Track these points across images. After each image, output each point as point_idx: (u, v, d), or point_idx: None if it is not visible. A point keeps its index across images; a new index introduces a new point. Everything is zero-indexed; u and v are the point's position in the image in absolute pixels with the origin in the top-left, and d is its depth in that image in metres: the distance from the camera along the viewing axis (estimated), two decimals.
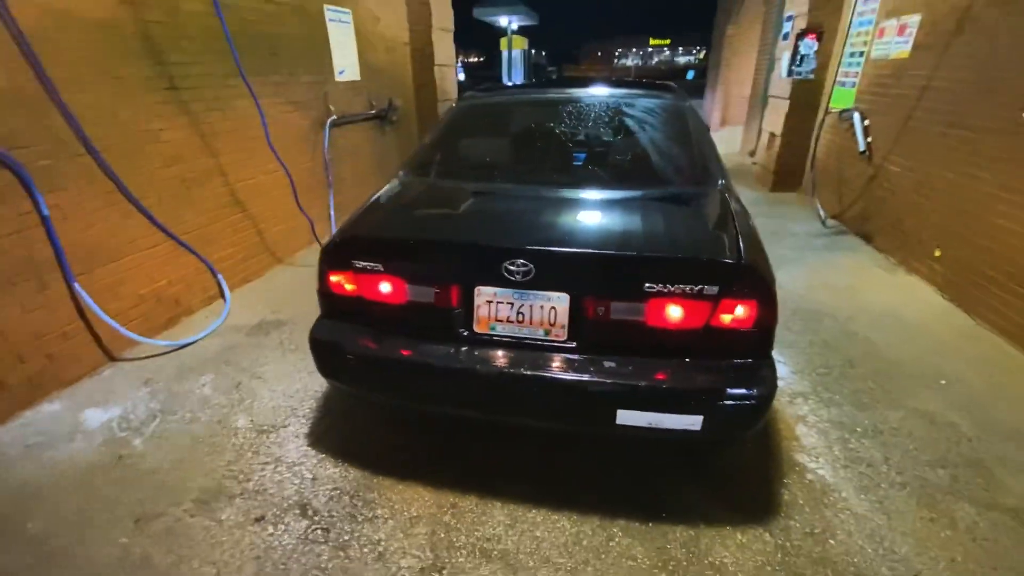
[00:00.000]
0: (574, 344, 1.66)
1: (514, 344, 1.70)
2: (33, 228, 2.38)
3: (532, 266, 1.58)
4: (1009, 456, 2.06)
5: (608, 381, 1.57)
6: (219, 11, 3.19)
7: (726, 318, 1.54)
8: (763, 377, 1.56)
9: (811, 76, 5.55)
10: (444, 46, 6.38)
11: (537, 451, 2.10)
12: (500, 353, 1.68)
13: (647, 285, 1.54)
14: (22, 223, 2.34)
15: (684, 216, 1.94)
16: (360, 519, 1.80)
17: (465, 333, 1.74)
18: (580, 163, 2.34)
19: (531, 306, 1.66)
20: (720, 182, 2.08)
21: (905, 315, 3.19)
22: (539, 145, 2.45)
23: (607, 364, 1.61)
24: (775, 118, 6.26)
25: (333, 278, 1.84)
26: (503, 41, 11.51)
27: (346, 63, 4.80)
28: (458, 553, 1.67)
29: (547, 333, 1.67)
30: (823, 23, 5.37)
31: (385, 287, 1.76)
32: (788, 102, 5.83)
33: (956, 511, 1.81)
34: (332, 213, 4.61)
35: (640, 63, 49.39)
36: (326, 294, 1.89)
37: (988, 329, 2.99)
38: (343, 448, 2.14)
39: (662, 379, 1.56)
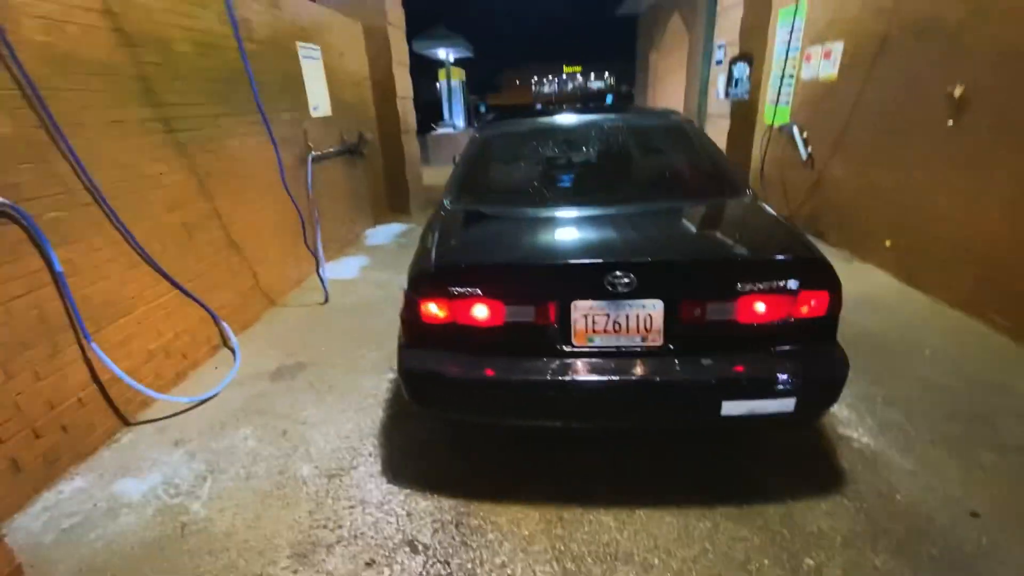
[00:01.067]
0: (671, 347, 1.78)
1: (613, 354, 1.80)
2: (45, 287, 2.17)
3: (633, 277, 1.70)
4: (1000, 405, 2.42)
5: (714, 378, 1.71)
6: (243, 53, 3.16)
7: (804, 309, 1.74)
8: (840, 358, 1.77)
9: (746, 96, 6.20)
10: (403, 80, 6.46)
11: (609, 455, 2.19)
12: (602, 363, 1.78)
13: (739, 285, 1.71)
14: (33, 282, 2.13)
15: (741, 222, 2.15)
16: (475, 546, 1.79)
17: (565, 348, 1.82)
18: (620, 181, 2.51)
19: (627, 315, 1.77)
20: (748, 191, 2.33)
21: (875, 299, 3.64)
22: (577, 167, 2.61)
23: (705, 362, 1.75)
24: (716, 135, 6.89)
25: (426, 306, 1.85)
26: (441, 72, 11.75)
27: (319, 99, 4.75)
28: (584, 562, 1.72)
29: (644, 339, 1.79)
30: (752, 50, 6.05)
31: (481, 311, 1.81)
32: (728, 120, 6.46)
33: (980, 456, 2.11)
34: (320, 249, 4.49)
35: (557, 89, 51.81)
36: (415, 323, 1.89)
37: (943, 303, 3.48)
38: (425, 480, 2.11)
39: (761, 369, 1.72)
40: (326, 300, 4.04)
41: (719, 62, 6.66)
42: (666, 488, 2.01)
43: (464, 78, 12.59)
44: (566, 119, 2.93)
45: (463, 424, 2.38)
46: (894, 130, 3.94)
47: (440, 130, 11.27)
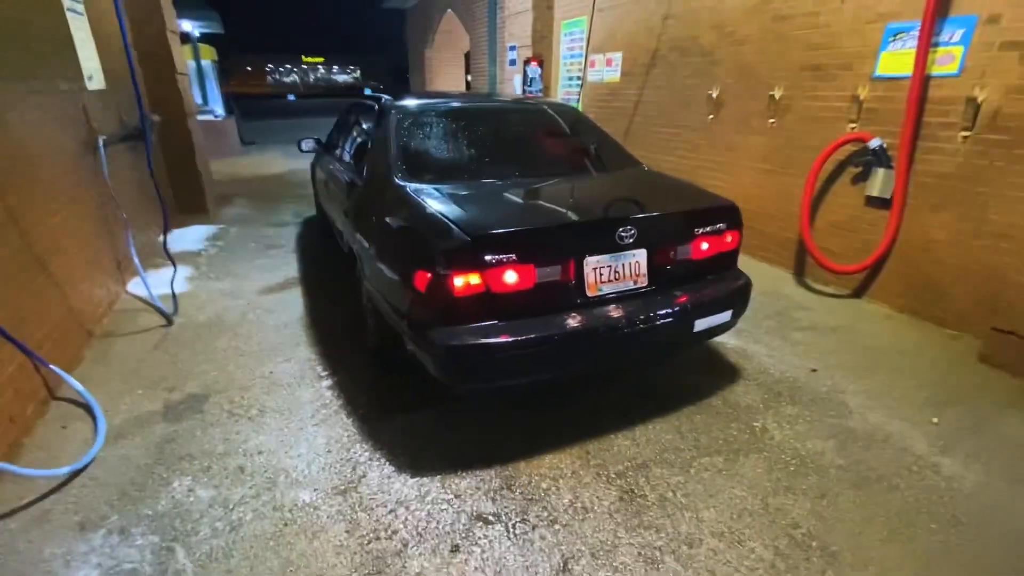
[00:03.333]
0: (654, 287, 2.18)
1: (617, 298, 2.10)
2: None
3: (636, 230, 2.03)
4: (786, 305, 3.60)
5: (689, 304, 2.18)
6: None
7: (728, 242, 2.35)
8: (745, 276, 2.46)
9: (540, 93, 7.11)
10: (177, 52, 5.30)
11: (586, 398, 2.51)
12: (612, 308, 2.07)
13: (695, 230, 2.21)
14: None
15: (666, 184, 2.67)
16: (537, 497, 1.89)
17: (580, 300, 2.03)
18: (551, 156, 2.77)
19: (624, 264, 2.10)
20: (642, 163, 2.91)
21: None
22: (508, 146, 2.76)
23: (677, 293, 2.21)
24: None
25: (459, 279, 1.81)
26: (187, 50, 9.74)
27: (92, 67, 3.62)
28: (626, 475, 2.00)
29: (635, 283, 2.15)
30: (542, 53, 6.96)
31: (512, 276, 1.87)
32: None
33: (793, 336, 3.16)
34: (134, 253, 3.50)
35: (298, 79, 47.83)
36: (446, 298, 1.82)
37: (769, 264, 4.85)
38: (449, 462, 2.06)
39: (714, 292, 2.27)
40: (169, 322, 3.22)
41: (512, 63, 7.45)
42: (643, 407, 2.43)
43: (216, 58, 10.73)
44: (479, 103, 3.12)
45: (462, 398, 2.39)
46: (670, 124, 5.20)
47: (199, 116, 9.39)
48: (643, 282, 2.16)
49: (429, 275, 1.82)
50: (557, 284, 1.98)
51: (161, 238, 4.72)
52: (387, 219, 2.21)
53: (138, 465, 2.02)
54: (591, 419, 2.35)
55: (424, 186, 2.32)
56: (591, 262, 2.03)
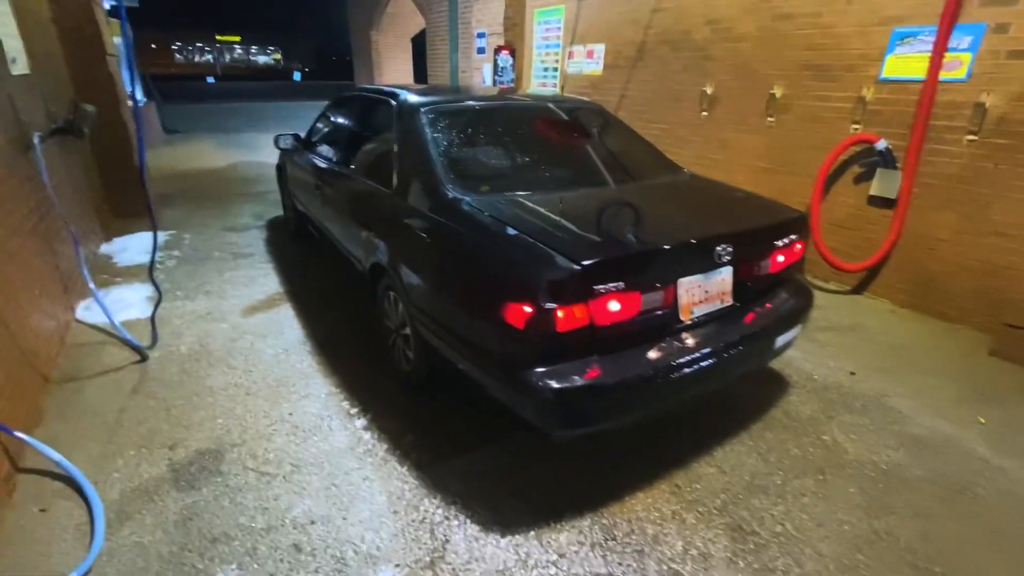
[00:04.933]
0: (738, 304, 2.05)
1: (708, 320, 1.95)
2: None
3: (732, 247, 1.88)
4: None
5: (774, 321, 2.07)
6: None
7: (796, 253, 2.27)
8: (807, 286, 2.40)
9: (512, 84, 6.84)
10: (105, 28, 4.52)
11: (649, 427, 2.36)
12: (708, 331, 1.91)
13: (775, 242, 2.10)
14: None
15: (728, 193, 2.52)
16: (650, 548, 1.71)
17: (677, 326, 1.86)
18: (601, 162, 2.55)
19: (713, 283, 1.95)
20: (683, 168, 2.77)
21: None
22: (559, 150, 2.51)
23: (760, 309, 2.10)
24: None
25: (564, 312, 1.57)
26: (114, 26, 8.43)
27: (14, 47, 2.94)
28: (727, 508, 1.87)
29: (722, 302, 2.00)
30: (513, 42, 6.68)
31: (616, 305, 1.66)
32: None
33: (818, 336, 3.18)
34: (86, 273, 2.92)
35: (213, 60, 43.84)
36: (547, 336, 1.58)
37: None
38: (535, 516, 1.83)
39: (792, 306, 2.18)
40: (143, 356, 2.70)
41: (481, 51, 7.10)
42: (710, 426, 2.32)
43: (131, 35, 9.42)
44: (514, 101, 2.84)
45: (521, 429, 2.15)
46: (658, 119, 5.14)
47: None
48: (729, 300, 2.03)
49: (529, 309, 1.57)
50: (656, 311, 1.80)
51: (105, 248, 4.06)
52: (450, 240, 1.92)
53: (160, 554, 1.63)
54: (664, 444, 2.20)
55: (484, 198, 2.04)
56: (685, 283, 1.86)
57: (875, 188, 3.60)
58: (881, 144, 3.49)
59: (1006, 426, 2.41)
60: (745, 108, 4.34)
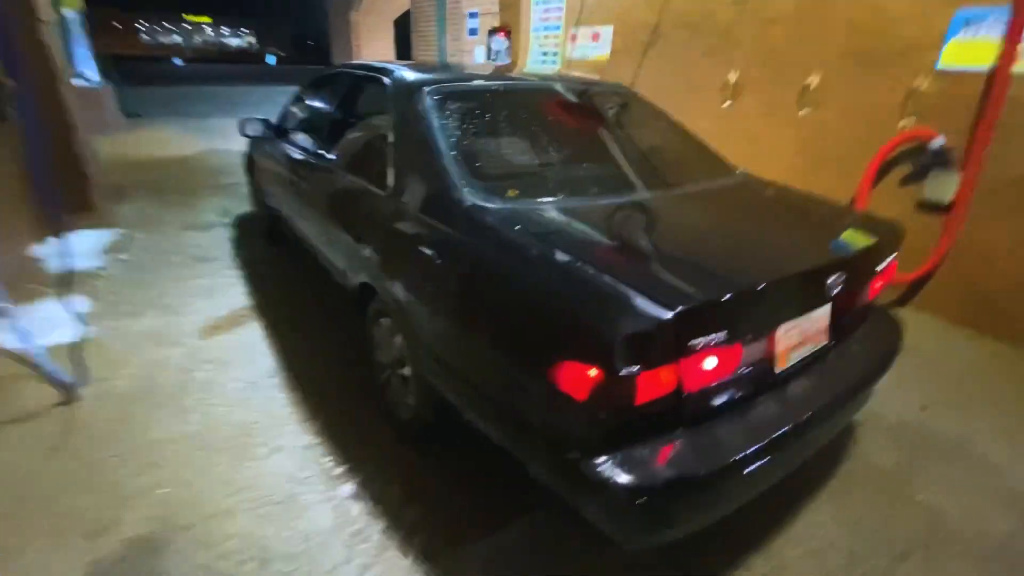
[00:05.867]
0: (834, 342, 1.62)
1: (803, 368, 1.51)
2: None
3: (845, 276, 1.43)
4: None
5: (874, 360, 1.65)
6: None
7: (890, 275, 1.85)
8: (891, 314, 1.98)
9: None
10: None
11: None
12: (807, 382, 1.48)
13: (874, 267, 1.67)
14: None
15: (806, 201, 2.07)
16: None
17: (771, 379, 1.41)
18: (648, 161, 2.08)
19: (812, 321, 1.50)
20: (739, 167, 2.32)
21: None
22: (595, 146, 2.01)
23: (858, 348, 1.67)
24: None
25: (647, 380, 1.10)
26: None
27: None
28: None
29: (816, 344, 1.56)
30: (509, 23, 6.14)
31: (712, 362, 1.20)
32: None
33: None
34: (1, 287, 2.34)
35: (182, 41, 41.72)
36: (621, 409, 1.11)
37: None
38: None
39: (888, 341, 1.76)
40: (70, 396, 2.15)
41: (473, 32, 6.54)
42: (789, 493, 1.88)
43: (83, 7, 8.55)
44: (526, 82, 2.32)
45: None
46: (674, 110, 4.67)
47: (72, 81, 7.40)
48: (824, 339, 1.59)
49: (596, 373, 1.09)
50: (757, 364, 1.35)
51: (35, 251, 3.46)
52: (471, 263, 1.43)
53: None
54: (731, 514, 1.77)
55: (513, 207, 1.55)
56: (786, 325, 1.41)
57: (928, 191, 3.21)
58: (937, 142, 3.10)
59: None
60: (775, 99, 3.91)
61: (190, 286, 3.23)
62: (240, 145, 4.17)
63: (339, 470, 1.87)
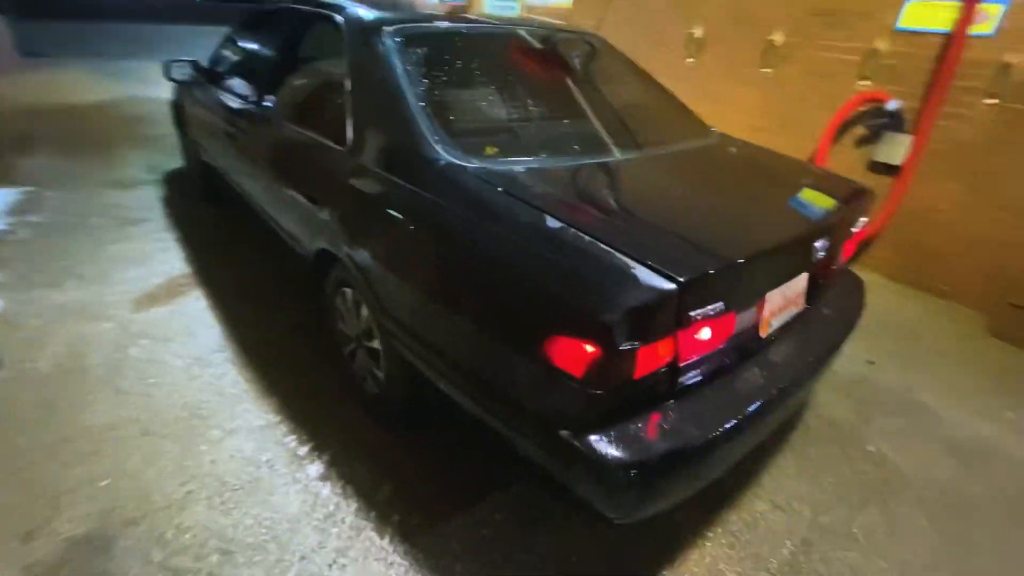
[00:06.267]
0: (808, 306, 1.63)
1: (782, 331, 1.51)
2: None
3: (828, 240, 1.42)
4: None
5: (845, 321, 1.69)
6: None
7: (860, 236, 1.87)
8: (854, 273, 2.04)
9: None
10: None
11: None
12: (787, 346, 1.48)
13: (850, 229, 1.67)
14: None
15: (781, 161, 2.02)
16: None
17: (754, 345, 1.40)
18: (630, 119, 1.95)
19: (792, 286, 1.49)
20: (712, 127, 2.26)
21: None
22: (569, 99, 1.86)
23: (829, 310, 1.70)
24: None
25: (648, 352, 1.04)
26: None
27: None
28: (804, 569, 1.52)
29: (796, 308, 1.57)
30: None
31: (707, 333, 1.16)
32: None
33: None
34: None
35: None
36: (620, 384, 1.06)
37: None
38: None
39: (855, 300, 1.81)
40: None
41: None
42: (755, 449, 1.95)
43: None
44: (495, 26, 2.10)
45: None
46: (724, 78, 4.49)
47: None
48: (802, 304, 1.60)
49: (593, 349, 1.03)
50: (747, 332, 1.32)
51: None
52: (449, 229, 1.30)
53: None
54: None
55: (493, 167, 1.41)
56: (771, 293, 1.39)
57: (880, 153, 3.31)
58: (892, 104, 3.16)
59: None
60: (739, 56, 3.87)
61: (116, 252, 2.90)
62: (166, 91, 3.71)
63: (303, 450, 1.75)
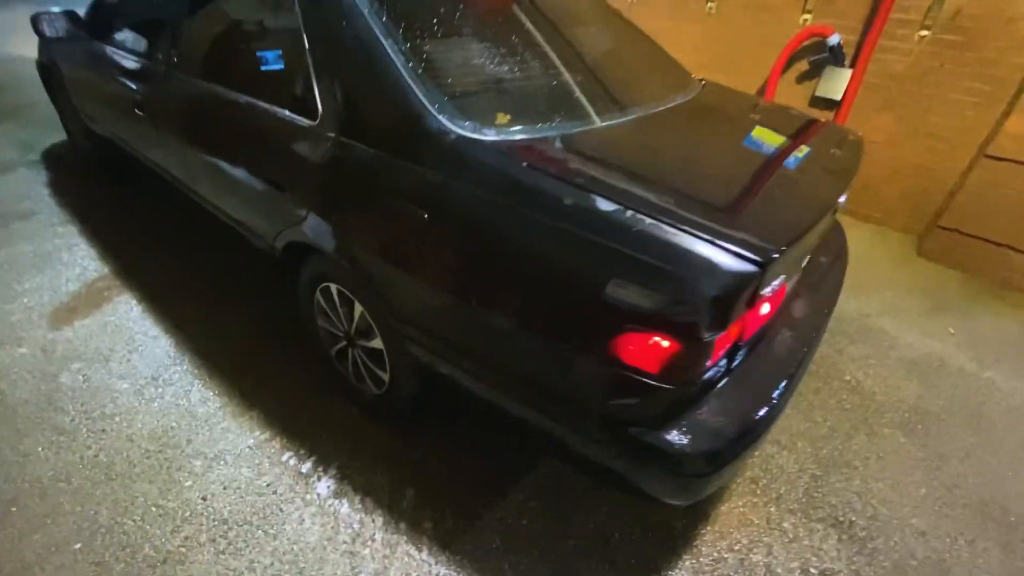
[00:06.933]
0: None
1: (796, 288, 1.52)
2: None
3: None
4: None
5: (840, 266, 1.77)
6: None
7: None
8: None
9: None
10: None
11: None
12: (803, 301, 1.49)
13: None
14: None
15: (776, 110, 1.97)
16: None
17: (784, 307, 1.40)
18: (626, 72, 1.78)
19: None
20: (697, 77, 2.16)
21: None
22: (564, 50, 1.62)
23: (825, 258, 1.75)
24: None
25: (719, 343, 0.98)
26: None
27: None
28: (818, 503, 1.63)
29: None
30: None
31: (767, 307, 1.13)
32: None
33: None
34: None
35: None
36: (692, 374, 0.99)
37: None
38: (620, 571, 1.38)
39: (842, 242, 1.89)
40: None
41: None
42: None
43: None
44: None
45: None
46: (673, 16, 4.17)
47: None
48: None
49: (670, 344, 0.95)
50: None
51: None
52: (477, 218, 1.13)
53: None
54: None
55: (509, 138, 1.22)
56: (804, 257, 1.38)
57: (821, 88, 3.40)
58: (834, 39, 3.22)
59: (970, 333, 2.53)
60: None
61: (5, 257, 2.39)
62: (28, 50, 3.00)
63: (306, 466, 1.59)
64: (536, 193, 1.08)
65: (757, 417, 1.11)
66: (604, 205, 1.03)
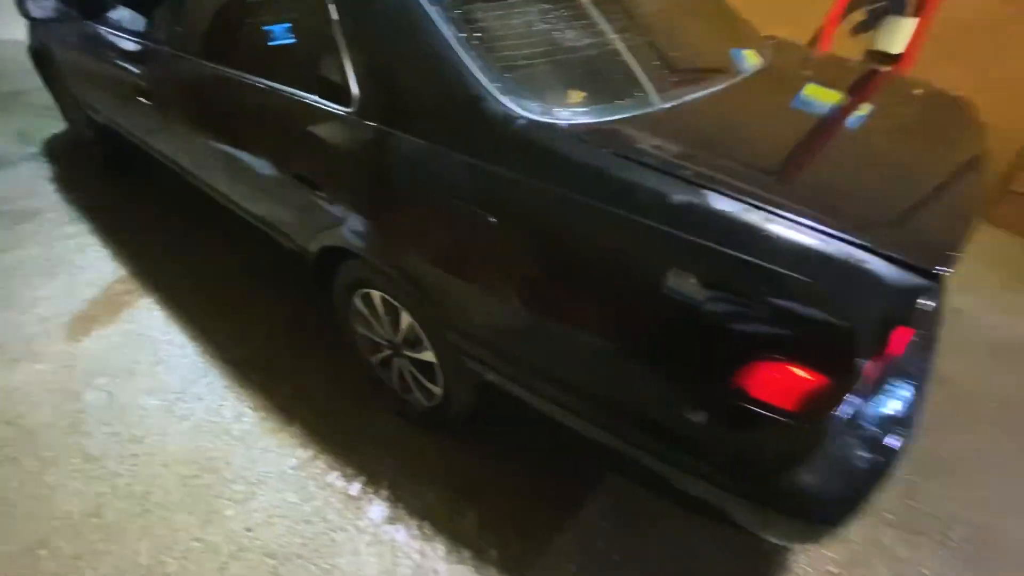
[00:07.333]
0: None
1: None
2: None
3: None
4: None
5: None
6: None
7: None
8: None
9: None
10: None
11: None
12: None
13: None
14: None
15: (873, 72, 1.72)
16: None
17: None
18: (699, 32, 1.54)
19: None
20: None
21: None
22: (636, 8, 1.39)
23: None
24: None
25: (868, 368, 0.80)
26: None
27: None
28: (915, 514, 1.48)
29: None
30: None
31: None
32: None
33: None
34: None
35: None
36: (831, 407, 0.82)
37: None
38: None
39: None
40: None
41: None
42: None
43: None
44: None
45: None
46: None
47: None
48: None
49: (817, 376, 0.77)
50: None
51: None
52: (559, 223, 0.93)
53: None
54: None
55: (586, 121, 1.02)
56: None
57: (879, 41, 3.09)
58: None
59: None
60: None
61: (13, 262, 2.24)
62: (17, 32, 2.79)
63: (355, 488, 1.46)
64: (631, 189, 0.89)
65: (894, 447, 0.94)
66: (722, 204, 0.83)
